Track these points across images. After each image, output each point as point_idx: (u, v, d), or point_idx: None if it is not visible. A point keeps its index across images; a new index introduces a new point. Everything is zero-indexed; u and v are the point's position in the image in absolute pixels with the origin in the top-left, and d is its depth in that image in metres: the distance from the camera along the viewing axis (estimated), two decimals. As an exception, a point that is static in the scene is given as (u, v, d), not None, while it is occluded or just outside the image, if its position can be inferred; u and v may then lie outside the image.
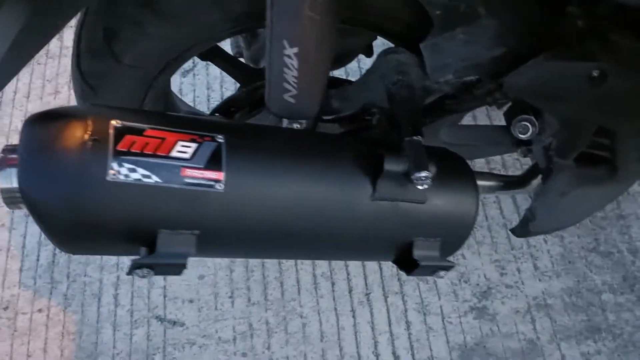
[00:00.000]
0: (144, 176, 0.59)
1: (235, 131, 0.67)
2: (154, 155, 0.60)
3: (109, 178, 0.58)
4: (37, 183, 0.58)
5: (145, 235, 0.61)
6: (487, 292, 1.27)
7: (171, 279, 1.30)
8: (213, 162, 0.62)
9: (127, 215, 0.60)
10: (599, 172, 0.88)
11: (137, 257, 0.62)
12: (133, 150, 0.59)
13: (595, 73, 0.72)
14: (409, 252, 0.76)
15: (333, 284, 1.29)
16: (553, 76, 0.73)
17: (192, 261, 1.38)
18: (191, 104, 1.53)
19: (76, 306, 1.28)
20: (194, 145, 0.62)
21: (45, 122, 0.60)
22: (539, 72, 0.73)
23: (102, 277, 1.31)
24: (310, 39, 0.65)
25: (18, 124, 1.51)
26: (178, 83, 1.55)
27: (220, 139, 0.64)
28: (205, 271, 1.31)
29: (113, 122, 0.60)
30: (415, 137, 0.74)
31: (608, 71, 0.71)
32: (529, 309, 1.25)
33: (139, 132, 0.61)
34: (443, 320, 1.25)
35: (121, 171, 0.58)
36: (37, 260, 1.33)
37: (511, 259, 1.31)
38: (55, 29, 0.66)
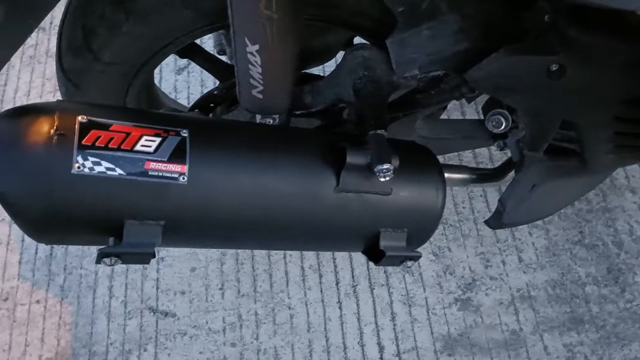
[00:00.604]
0: (108, 169, 0.62)
1: (199, 126, 0.70)
2: (118, 149, 0.63)
3: (74, 171, 0.61)
4: (7, 176, 0.61)
5: (113, 226, 0.65)
6: (471, 284, 1.29)
7: (164, 271, 1.34)
8: (176, 156, 0.65)
9: (93, 206, 0.63)
10: (570, 165, 0.89)
11: (105, 246, 0.66)
12: (98, 145, 0.62)
13: (554, 67, 0.74)
14: (376, 242, 0.78)
15: (321, 276, 1.32)
16: (513, 70, 0.75)
17: (183, 254, 1.42)
18: (185, 100, 1.56)
19: (72, 298, 1.32)
20: (157, 140, 0.65)
21: (15, 117, 0.63)
22: (500, 66, 0.74)
23: (97, 270, 1.35)
24: (270, 36, 0.67)
25: (18, 121, 1.56)
26: (173, 81, 1.58)
27: (184, 133, 0.67)
28: (196, 264, 1.35)
29: (79, 118, 0.63)
30: (379, 131, 0.76)
31: (566, 65, 0.73)
32: (512, 301, 1.27)
33: (105, 127, 0.64)
34: (428, 312, 1.27)
35: (86, 164, 0.61)
36: (36, 253, 1.37)
37: (496, 252, 1.32)
38: (29, 28, 0.69)
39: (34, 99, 1.60)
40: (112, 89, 0.90)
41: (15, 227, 1.40)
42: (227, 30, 0.98)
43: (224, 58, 1.05)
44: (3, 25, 0.66)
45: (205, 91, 1.59)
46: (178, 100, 1.54)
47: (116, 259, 0.65)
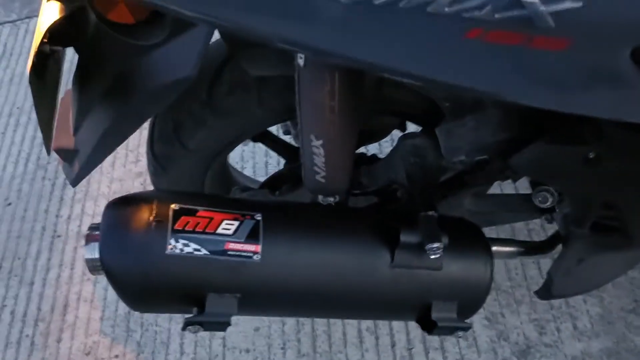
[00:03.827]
0: (195, 249, 0.73)
1: (271, 210, 0.80)
2: (203, 232, 0.74)
3: (167, 252, 0.72)
4: (113, 255, 0.73)
5: (196, 298, 0.75)
6: (526, 350, 1.32)
7: (230, 330, 1.43)
8: (252, 237, 0.76)
9: (182, 281, 0.74)
10: (615, 240, 0.94)
11: (189, 315, 0.76)
12: (187, 229, 0.74)
13: (591, 155, 0.80)
14: (429, 313, 0.85)
15: (377, 338, 1.38)
16: (551, 158, 0.82)
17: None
18: (251, 170, 1.70)
19: (147, 353, 1.43)
20: (236, 223, 0.76)
21: (121, 206, 0.76)
22: (539, 154, 0.82)
23: (170, 327, 1.46)
24: (332, 134, 0.78)
25: (104, 189, 1.73)
26: (240, 151, 1.73)
27: (258, 217, 0.77)
28: (260, 324, 1.44)
29: (172, 206, 0.75)
30: (429, 212, 0.84)
31: (602, 154, 0.79)
32: (568, 369, 1.28)
33: (193, 212, 0.76)
34: (483, 377, 1.30)
35: (177, 246, 0.73)
36: (116, 310, 1.50)
37: (550, 319, 1.35)
38: (132, 129, 0.83)
39: (118, 168, 1.78)
40: (194, 171, 1.03)
41: (98, 285, 1.55)
42: (293, 120, 1.11)
43: (288, 137, 1.17)
44: (113, 125, 0.79)
45: (269, 160, 1.73)
46: (244, 170, 1.68)
47: (199, 326, 0.76)
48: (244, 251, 0.75)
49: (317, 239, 0.80)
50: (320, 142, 0.80)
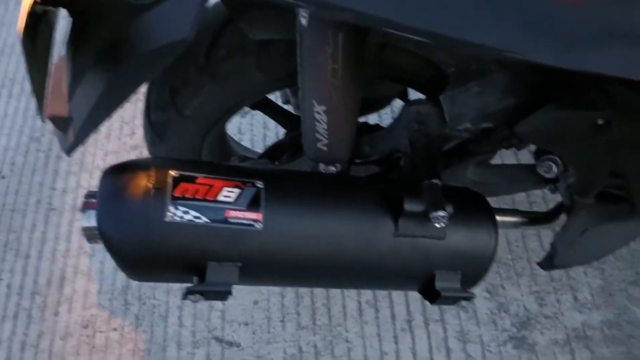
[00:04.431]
0: (195, 217, 0.72)
1: (272, 177, 0.78)
2: (203, 200, 0.72)
3: (166, 219, 0.70)
4: (111, 223, 0.71)
5: (197, 267, 0.74)
6: (526, 322, 1.31)
7: (229, 303, 1.42)
8: (253, 205, 0.74)
9: (181, 249, 0.72)
10: (619, 210, 0.93)
11: (190, 284, 0.75)
12: (187, 196, 0.72)
13: (600, 121, 0.78)
14: (432, 283, 0.84)
15: (377, 311, 1.38)
16: (559, 124, 0.80)
17: (247, 287, 1.50)
18: (249, 142, 1.67)
19: (146, 326, 1.43)
20: (237, 191, 0.74)
21: (118, 173, 0.73)
22: (546, 121, 0.80)
23: (168, 300, 1.45)
24: (334, 99, 0.76)
25: (99, 161, 1.71)
26: (237, 123, 1.70)
27: (259, 184, 0.76)
28: (259, 297, 1.43)
29: (171, 172, 0.73)
30: (434, 180, 0.82)
31: (611, 120, 0.77)
32: (568, 340, 1.28)
33: (192, 179, 0.73)
34: (483, 349, 1.30)
35: (177, 213, 0.71)
36: (113, 284, 1.49)
37: (550, 291, 1.34)
38: (127, 94, 0.80)
39: (113, 141, 1.75)
40: (191, 139, 1.01)
41: (95, 259, 1.53)
42: (293, 87, 1.08)
43: (288, 107, 1.14)
44: (107, 90, 0.77)
45: (267, 132, 1.70)
46: (242, 141, 1.66)
47: (199, 296, 0.74)
48: (246, 219, 0.73)
49: (320, 207, 0.78)
50: (323, 108, 0.78)
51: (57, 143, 1.78)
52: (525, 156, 1.48)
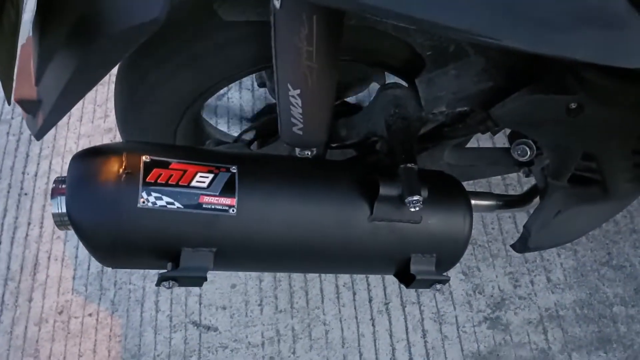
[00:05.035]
0: (168, 203, 0.71)
1: (246, 162, 0.77)
2: (176, 185, 0.71)
3: (139, 205, 0.69)
4: (81, 209, 0.70)
5: (171, 253, 0.73)
6: (500, 303, 1.33)
7: (206, 287, 1.42)
8: (227, 190, 0.73)
9: (155, 235, 0.71)
10: (592, 192, 0.94)
11: (164, 270, 0.74)
12: (159, 181, 0.71)
13: (572, 105, 0.79)
14: (407, 266, 0.84)
15: (354, 293, 1.38)
16: (534, 108, 0.80)
17: (224, 272, 1.49)
18: (225, 125, 1.65)
19: (122, 311, 1.41)
20: (210, 176, 0.73)
21: (88, 158, 0.72)
22: (522, 104, 0.80)
23: (144, 285, 1.44)
24: (310, 82, 0.75)
25: (72, 145, 1.67)
26: (213, 106, 1.68)
27: (233, 169, 0.75)
28: (236, 281, 1.43)
29: (143, 158, 0.71)
30: (409, 164, 0.82)
31: (584, 104, 0.78)
32: (541, 320, 1.31)
33: (165, 165, 0.72)
34: (458, 330, 1.32)
35: (149, 199, 0.70)
36: (88, 269, 1.47)
37: (525, 272, 1.36)
38: (98, 77, 0.78)
39: (86, 124, 1.72)
40: (165, 122, 0.99)
41: (69, 244, 1.51)
42: (268, 70, 1.06)
43: (263, 91, 1.13)
44: (77, 72, 0.75)
45: (243, 116, 1.68)
46: (218, 125, 1.64)
47: (174, 282, 0.73)
48: (219, 205, 0.72)
49: (295, 191, 0.77)
50: (297, 91, 0.77)
51: (26, 125, 1.74)
52: (501, 140, 1.49)
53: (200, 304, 1.41)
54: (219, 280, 1.43)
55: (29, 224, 1.54)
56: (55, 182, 0.72)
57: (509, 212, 1.37)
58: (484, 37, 0.58)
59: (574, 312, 1.31)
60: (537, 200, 1.02)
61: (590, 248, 1.37)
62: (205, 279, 0.75)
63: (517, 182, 1.45)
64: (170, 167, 0.72)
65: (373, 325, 1.34)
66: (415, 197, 0.78)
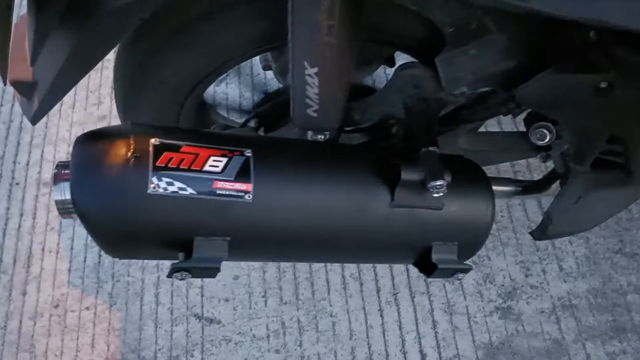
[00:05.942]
0: (180, 189, 0.66)
1: (262, 145, 0.73)
2: (189, 170, 0.67)
3: (149, 191, 0.65)
4: (87, 196, 0.65)
5: (183, 242, 0.68)
6: (512, 292, 1.30)
7: (207, 279, 1.37)
8: (242, 175, 0.69)
9: (166, 223, 0.67)
10: (614, 177, 0.91)
11: (175, 261, 0.69)
12: (170, 166, 0.66)
13: (602, 84, 0.75)
14: (428, 255, 0.80)
15: (361, 284, 1.35)
16: (561, 88, 0.76)
17: (226, 263, 1.46)
18: (224, 111, 1.60)
19: (120, 304, 1.37)
20: (224, 160, 0.69)
21: (93, 141, 0.67)
22: (548, 84, 0.76)
23: (144, 277, 1.40)
24: (329, 60, 0.70)
25: (64, 133, 1.61)
26: (212, 92, 1.62)
27: (248, 153, 0.70)
28: (239, 272, 1.38)
29: (152, 141, 0.67)
30: (431, 148, 0.78)
31: (615, 82, 0.74)
32: (554, 309, 1.28)
33: (176, 148, 0.68)
34: (469, 320, 1.28)
35: (160, 185, 0.65)
36: (84, 261, 1.42)
37: (536, 260, 1.33)
38: (98, 57, 0.73)
39: (79, 111, 1.66)
40: (166, 106, 0.94)
41: (64, 235, 1.46)
42: (277, 50, 1.01)
43: (269, 74, 1.08)
44: (74, 53, 0.70)
45: (243, 102, 1.63)
46: (217, 111, 1.59)
47: (187, 273, 0.69)
48: (234, 190, 0.68)
49: (313, 176, 0.73)
50: (315, 70, 0.72)
51: (18, 114, 1.68)
52: (508, 125, 1.45)
53: (202, 296, 1.36)
54: (221, 272, 1.38)
55: (21, 215, 1.49)
56: (57, 166, 0.68)
57: (526, 198, 1.33)
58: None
59: (587, 301, 1.28)
60: (555, 185, 0.99)
61: (603, 236, 1.34)
62: (219, 269, 0.71)
63: (526, 169, 1.42)
64: (181, 150, 0.67)
65: (381, 316, 1.31)
66: (439, 182, 0.74)
